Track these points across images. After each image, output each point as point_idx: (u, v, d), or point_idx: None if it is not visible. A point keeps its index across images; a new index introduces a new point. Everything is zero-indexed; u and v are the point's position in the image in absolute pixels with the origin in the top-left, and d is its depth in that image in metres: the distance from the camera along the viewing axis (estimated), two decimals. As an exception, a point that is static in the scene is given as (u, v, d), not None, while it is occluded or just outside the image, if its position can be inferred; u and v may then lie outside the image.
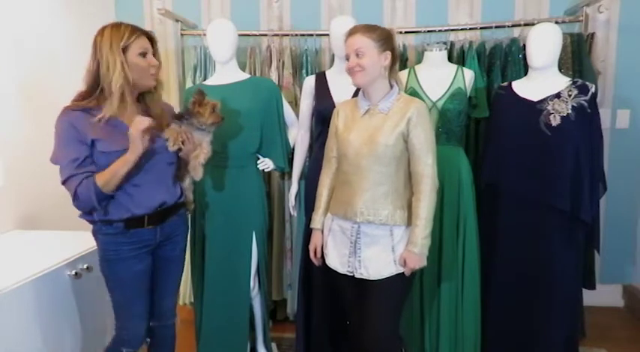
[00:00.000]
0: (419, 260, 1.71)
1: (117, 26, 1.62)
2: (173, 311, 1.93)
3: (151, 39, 1.68)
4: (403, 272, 1.73)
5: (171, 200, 1.75)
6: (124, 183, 1.61)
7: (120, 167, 1.56)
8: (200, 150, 1.81)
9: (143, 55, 1.63)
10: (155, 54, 1.69)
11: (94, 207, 1.59)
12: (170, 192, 1.75)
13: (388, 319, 1.76)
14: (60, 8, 2.69)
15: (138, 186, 1.65)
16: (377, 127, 1.72)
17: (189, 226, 2.06)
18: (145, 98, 1.73)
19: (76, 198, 1.58)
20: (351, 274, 1.80)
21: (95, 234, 1.69)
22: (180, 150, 1.73)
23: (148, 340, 1.86)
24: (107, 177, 1.57)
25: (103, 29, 1.62)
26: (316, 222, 1.92)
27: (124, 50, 1.59)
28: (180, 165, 1.81)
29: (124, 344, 1.75)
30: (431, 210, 1.71)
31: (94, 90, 1.60)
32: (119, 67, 1.57)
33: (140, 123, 1.54)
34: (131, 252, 1.68)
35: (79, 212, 1.68)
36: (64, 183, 1.60)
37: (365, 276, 1.76)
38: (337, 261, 1.84)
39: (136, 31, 1.62)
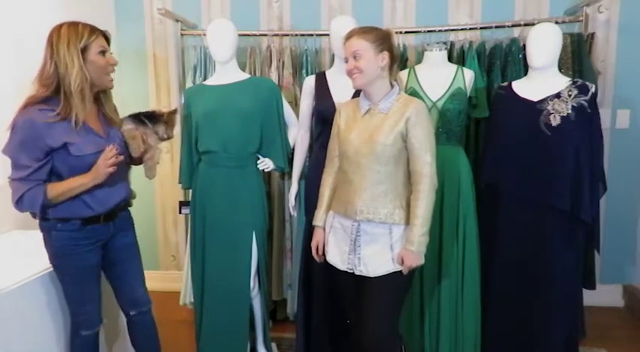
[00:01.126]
0: (416, 258, 1.72)
1: (74, 25, 1.62)
2: (147, 297, 1.96)
3: (107, 38, 1.71)
4: (401, 271, 1.74)
5: (126, 196, 1.83)
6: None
7: (76, 187, 1.62)
8: (153, 151, 1.87)
9: (102, 53, 1.65)
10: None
11: (34, 213, 1.62)
12: (127, 190, 1.84)
13: (385, 317, 1.77)
14: (60, 8, 2.69)
15: (100, 186, 1.68)
16: (376, 127, 1.74)
17: (189, 226, 2.07)
18: (100, 97, 1.75)
19: (19, 201, 1.59)
20: (351, 271, 1.82)
21: (48, 230, 1.69)
22: (143, 154, 1.83)
23: (105, 321, 1.89)
24: (59, 192, 1.61)
25: (59, 28, 1.61)
26: (318, 219, 1.94)
27: (85, 49, 1.60)
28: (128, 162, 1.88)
29: (82, 327, 1.79)
30: (429, 209, 1.72)
31: (57, 93, 1.60)
32: (77, 67, 1.57)
33: (109, 158, 1.60)
34: (87, 246, 1.71)
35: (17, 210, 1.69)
36: (11, 180, 1.61)
37: (364, 273, 1.78)
38: (338, 257, 1.86)
39: (95, 30, 1.64)
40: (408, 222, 1.75)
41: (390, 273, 1.75)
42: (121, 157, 1.65)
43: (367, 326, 1.76)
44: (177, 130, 2.02)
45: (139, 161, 1.87)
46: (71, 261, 1.70)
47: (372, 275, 1.77)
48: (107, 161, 1.60)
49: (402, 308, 1.87)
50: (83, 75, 1.59)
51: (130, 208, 1.93)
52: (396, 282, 1.76)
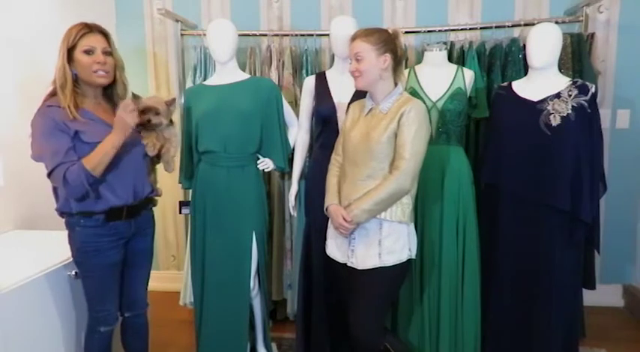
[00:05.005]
0: (341, 219, 1.78)
1: (72, 26, 1.71)
2: (145, 300, 2.03)
3: (106, 36, 1.76)
4: (389, 266, 1.79)
5: (146, 192, 1.86)
6: (107, 173, 1.70)
7: (108, 148, 1.65)
8: (169, 144, 1.93)
9: (88, 52, 1.69)
10: (112, 52, 1.76)
11: (87, 190, 1.65)
12: (145, 184, 1.86)
13: (369, 311, 1.83)
14: (60, 8, 2.69)
15: (118, 176, 1.74)
16: (374, 125, 1.79)
17: (189, 226, 2.10)
18: (111, 95, 1.84)
19: (65, 183, 1.62)
20: (346, 262, 1.88)
21: (72, 226, 1.74)
22: (160, 152, 1.88)
23: (121, 317, 1.93)
24: (96, 160, 1.64)
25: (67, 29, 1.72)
26: (330, 199, 1.90)
27: (72, 49, 1.69)
28: (150, 159, 1.92)
29: (101, 323, 1.83)
30: (383, 199, 1.74)
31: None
32: (60, 64, 1.68)
33: (128, 108, 1.67)
34: (110, 243, 1.76)
35: (57, 206, 1.76)
36: (50, 174, 1.65)
37: (354, 265, 1.84)
38: (337, 250, 1.92)
39: (83, 29, 1.70)
40: (399, 218, 1.79)
41: (378, 268, 1.79)
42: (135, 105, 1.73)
43: (355, 320, 1.83)
44: (177, 132, 2.03)
45: (158, 158, 1.94)
46: (94, 258, 1.74)
47: (360, 267, 1.82)
48: (127, 108, 1.67)
49: (389, 303, 1.94)
50: (64, 72, 1.67)
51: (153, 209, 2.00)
52: (383, 277, 1.81)
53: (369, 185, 1.78)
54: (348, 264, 1.86)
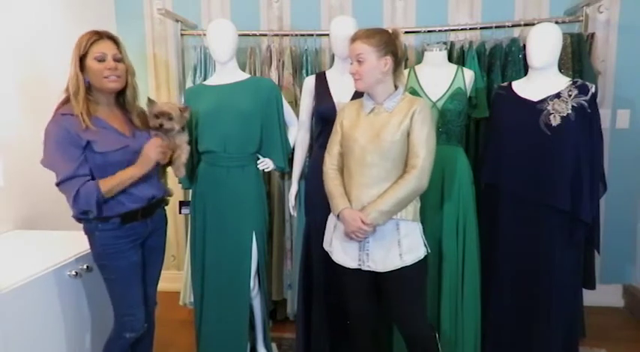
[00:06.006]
0: (360, 223, 1.74)
1: (83, 35, 1.72)
2: (154, 299, 2.05)
3: (117, 42, 1.77)
4: (411, 264, 1.79)
5: (159, 194, 1.89)
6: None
7: (126, 179, 1.71)
8: (180, 150, 1.97)
9: (99, 59, 1.71)
10: (123, 58, 1.77)
11: (91, 209, 1.67)
12: (157, 187, 1.89)
13: (413, 309, 1.84)
14: (61, 8, 2.69)
15: (133, 183, 1.75)
16: (382, 125, 1.78)
17: (189, 226, 2.12)
18: (123, 103, 1.85)
19: (76, 197, 1.64)
20: (359, 267, 1.84)
21: (91, 231, 1.76)
22: (171, 159, 1.92)
23: (146, 325, 1.93)
24: (111, 186, 1.68)
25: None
26: (342, 204, 1.81)
27: (84, 56, 1.70)
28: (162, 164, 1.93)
29: (127, 329, 1.84)
30: (401, 198, 1.74)
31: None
32: (73, 72, 1.70)
33: (156, 146, 1.75)
34: (128, 244, 1.79)
35: (74, 212, 1.75)
36: (60, 183, 1.66)
37: (373, 269, 1.82)
38: (347, 256, 1.87)
39: (93, 36, 1.72)
40: (412, 216, 1.79)
41: (401, 268, 1.78)
42: (165, 145, 1.80)
43: (404, 322, 1.87)
44: (188, 138, 2.06)
45: (169, 163, 1.97)
46: (115, 260, 1.77)
47: (381, 270, 1.80)
48: (157, 147, 1.75)
49: (425, 295, 1.94)
50: (77, 80, 1.69)
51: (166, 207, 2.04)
52: (408, 276, 1.81)
53: (382, 186, 1.76)
54: (364, 268, 1.83)
